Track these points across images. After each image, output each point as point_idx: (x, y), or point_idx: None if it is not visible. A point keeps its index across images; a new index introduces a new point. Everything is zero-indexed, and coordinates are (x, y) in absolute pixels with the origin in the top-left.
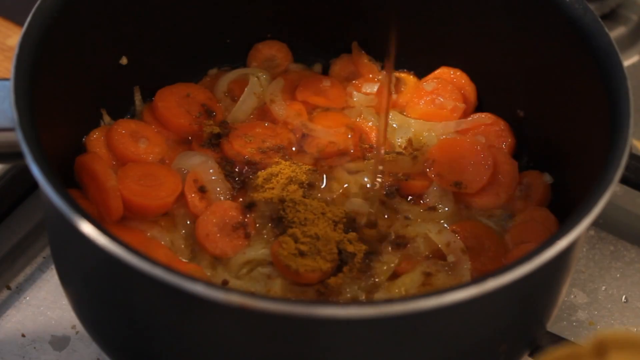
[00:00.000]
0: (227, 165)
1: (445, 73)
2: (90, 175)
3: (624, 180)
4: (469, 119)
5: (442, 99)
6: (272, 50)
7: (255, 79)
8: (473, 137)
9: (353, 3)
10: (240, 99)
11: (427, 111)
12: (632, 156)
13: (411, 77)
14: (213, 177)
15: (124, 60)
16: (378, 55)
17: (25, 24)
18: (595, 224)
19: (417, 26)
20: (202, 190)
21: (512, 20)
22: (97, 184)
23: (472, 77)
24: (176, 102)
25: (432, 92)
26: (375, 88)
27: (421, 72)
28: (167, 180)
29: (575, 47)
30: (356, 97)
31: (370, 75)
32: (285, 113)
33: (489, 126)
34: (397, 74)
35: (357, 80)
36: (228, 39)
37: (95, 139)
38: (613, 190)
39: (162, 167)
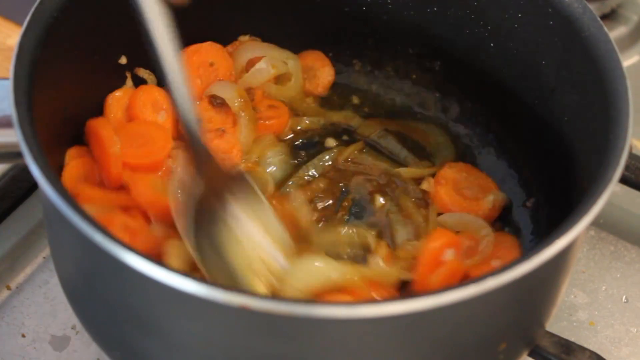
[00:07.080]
0: None
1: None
2: (96, 139)
3: (624, 180)
4: None
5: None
6: None
7: None
8: None
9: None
10: None
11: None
12: (632, 156)
13: None
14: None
15: (123, 60)
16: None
17: (25, 24)
18: (595, 224)
19: (416, 25)
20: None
21: (510, 19)
22: (101, 148)
23: (470, 75)
24: None
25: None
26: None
27: (421, 72)
28: (157, 136)
29: (575, 47)
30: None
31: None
32: None
33: None
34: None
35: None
36: (228, 39)
37: (118, 98)
38: (612, 190)
39: (151, 124)
